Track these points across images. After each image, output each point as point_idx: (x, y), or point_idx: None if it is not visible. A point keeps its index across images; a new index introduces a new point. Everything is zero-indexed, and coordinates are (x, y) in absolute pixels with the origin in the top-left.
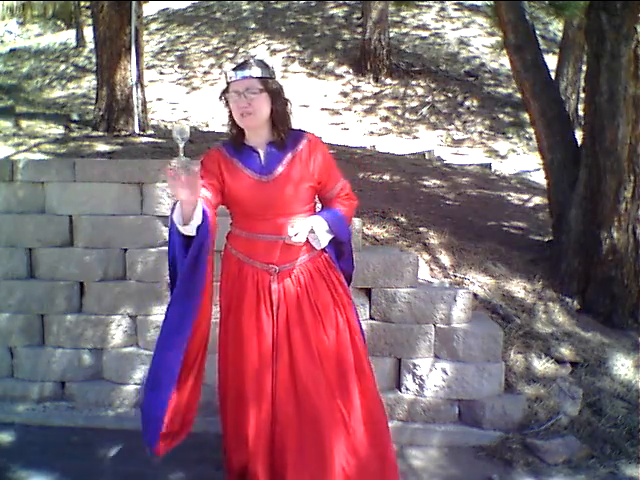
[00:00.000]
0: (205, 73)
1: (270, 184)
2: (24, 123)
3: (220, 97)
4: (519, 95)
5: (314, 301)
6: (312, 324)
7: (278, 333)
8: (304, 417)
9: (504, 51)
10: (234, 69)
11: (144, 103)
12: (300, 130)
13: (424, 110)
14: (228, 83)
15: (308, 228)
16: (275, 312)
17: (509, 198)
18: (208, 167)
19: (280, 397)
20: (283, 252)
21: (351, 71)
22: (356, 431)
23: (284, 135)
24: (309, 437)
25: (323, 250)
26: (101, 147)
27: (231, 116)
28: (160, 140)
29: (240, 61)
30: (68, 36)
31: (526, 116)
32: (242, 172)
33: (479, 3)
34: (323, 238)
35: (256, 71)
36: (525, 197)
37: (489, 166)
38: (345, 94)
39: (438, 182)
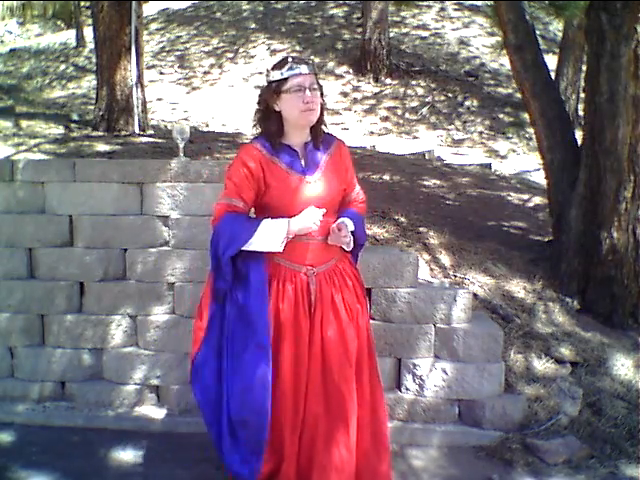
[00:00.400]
0: (205, 73)
1: (313, 184)
2: (24, 123)
3: (266, 94)
4: (519, 95)
5: (346, 301)
6: (346, 323)
7: (312, 334)
8: (332, 417)
9: (504, 51)
10: (294, 62)
11: (144, 103)
12: (329, 133)
13: (424, 110)
14: (281, 79)
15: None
16: (312, 313)
17: (509, 198)
18: (251, 169)
19: (311, 398)
20: (320, 253)
21: (351, 71)
22: (364, 428)
23: (322, 136)
24: (336, 438)
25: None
26: (101, 147)
27: (269, 113)
28: (160, 140)
29: (280, 59)
30: (68, 36)
31: (526, 116)
32: (285, 172)
33: (479, 3)
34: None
35: (312, 67)
36: (525, 197)
37: (489, 166)
38: (345, 94)
39: (438, 182)
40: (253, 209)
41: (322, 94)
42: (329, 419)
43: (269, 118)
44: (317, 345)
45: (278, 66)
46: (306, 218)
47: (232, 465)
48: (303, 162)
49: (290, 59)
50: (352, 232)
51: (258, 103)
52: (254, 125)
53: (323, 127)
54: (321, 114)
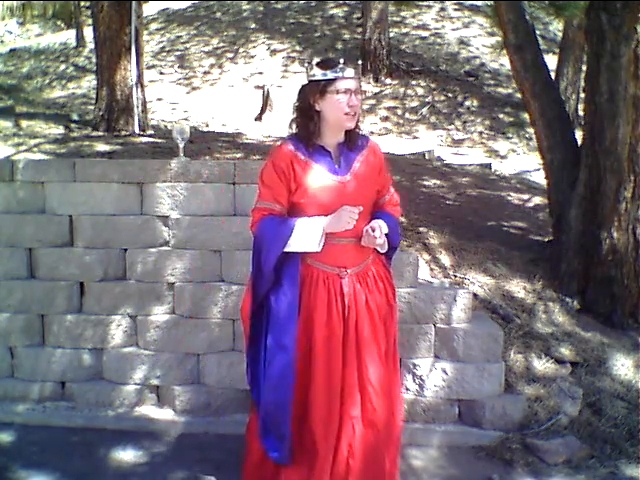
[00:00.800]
0: (205, 73)
1: (346, 185)
2: (24, 123)
3: (310, 92)
4: (519, 95)
5: (379, 303)
6: (379, 327)
7: (347, 336)
8: (367, 421)
9: (504, 51)
10: (343, 64)
11: (144, 103)
12: (363, 135)
13: (424, 110)
14: (328, 80)
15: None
16: (346, 316)
17: (509, 198)
18: (283, 170)
19: (347, 401)
20: (353, 255)
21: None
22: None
23: (356, 137)
24: (372, 443)
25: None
26: (101, 147)
27: (310, 111)
28: (160, 140)
29: (327, 58)
30: (68, 36)
31: (526, 116)
32: (318, 172)
33: (479, 3)
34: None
35: (358, 72)
36: (525, 197)
37: (489, 166)
38: None
39: (438, 182)
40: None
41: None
42: (365, 425)
43: (308, 117)
44: (352, 348)
45: (325, 65)
46: (342, 216)
47: (265, 446)
48: (336, 163)
49: (341, 60)
50: (386, 234)
51: (299, 100)
52: (290, 123)
53: (359, 128)
54: (357, 118)
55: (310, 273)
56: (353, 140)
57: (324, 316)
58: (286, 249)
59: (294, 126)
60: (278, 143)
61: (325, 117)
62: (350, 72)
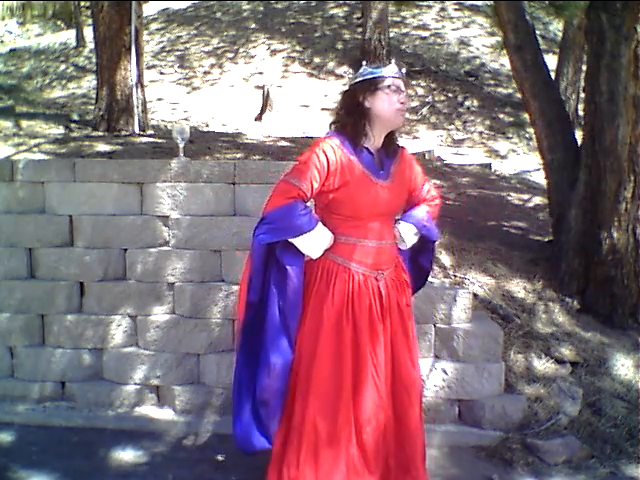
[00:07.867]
0: (205, 73)
1: (386, 188)
2: (24, 123)
3: (360, 88)
4: (519, 95)
5: (403, 304)
6: (410, 329)
7: (385, 338)
8: (401, 422)
9: (504, 51)
10: (396, 64)
11: (144, 103)
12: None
13: (424, 110)
14: (379, 78)
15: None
16: (384, 318)
17: (509, 198)
18: (329, 161)
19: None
20: (386, 257)
21: (351, 71)
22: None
23: (394, 141)
24: (405, 444)
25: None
26: (101, 147)
27: (359, 109)
28: (160, 140)
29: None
30: (68, 36)
31: (526, 116)
32: (363, 173)
33: (479, 3)
34: (410, 240)
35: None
36: (525, 197)
37: (489, 166)
38: None
39: (438, 182)
40: (313, 202)
41: None
42: (398, 426)
43: (358, 114)
44: (388, 348)
45: (376, 64)
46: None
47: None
48: (378, 165)
49: (393, 60)
50: (416, 233)
51: (349, 97)
52: (331, 124)
53: (396, 135)
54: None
55: (348, 276)
56: (392, 144)
57: (366, 319)
58: (292, 240)
59: (338, 126)
60: (324, 135)
61: (376, 114)
62: (400, 72)
